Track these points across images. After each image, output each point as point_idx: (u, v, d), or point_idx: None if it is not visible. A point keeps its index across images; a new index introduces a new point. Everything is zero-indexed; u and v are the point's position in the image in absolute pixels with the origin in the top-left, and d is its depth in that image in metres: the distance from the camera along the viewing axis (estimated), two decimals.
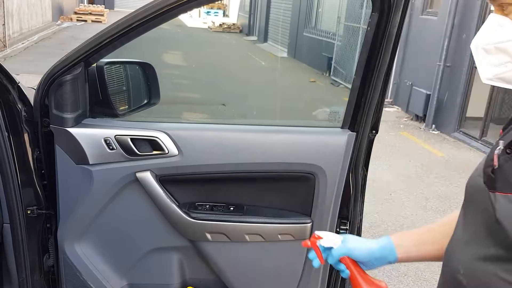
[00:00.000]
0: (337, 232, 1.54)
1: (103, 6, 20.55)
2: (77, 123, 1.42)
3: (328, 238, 1.07)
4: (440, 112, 6.57)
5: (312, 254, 1.08)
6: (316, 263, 1.08)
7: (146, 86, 1.68)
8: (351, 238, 1.07)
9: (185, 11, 1.30)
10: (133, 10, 1.35)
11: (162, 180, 1.47)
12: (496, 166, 0.78)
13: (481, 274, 0.78)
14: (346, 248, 1.04)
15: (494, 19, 0.75)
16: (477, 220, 0.81)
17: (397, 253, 1.04)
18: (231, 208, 1.51)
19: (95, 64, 1.46)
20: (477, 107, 5.95)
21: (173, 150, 1.43)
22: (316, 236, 1.07)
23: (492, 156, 0.80)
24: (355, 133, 1.47)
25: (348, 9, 9.31)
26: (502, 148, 0.78)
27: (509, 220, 0.72)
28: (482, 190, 0.79)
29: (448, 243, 0.90)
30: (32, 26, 12.71)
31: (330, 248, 1.06)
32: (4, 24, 9.97)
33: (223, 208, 1.51)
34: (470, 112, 6.23)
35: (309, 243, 1.08)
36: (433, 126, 6.62)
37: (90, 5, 21.43)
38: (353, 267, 1.05)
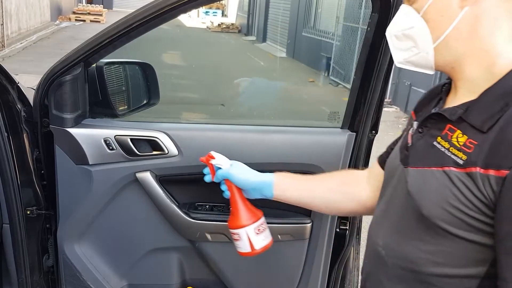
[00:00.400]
0: (336, 232, 1.55)
1: (102, 6, 20.53)
2: (77, 123, 1.42)
3: (219, 159, 1.21)
4: None
5: (206, 170, 1.23)
6: (207, 178, 1.23)
7: (145, 86, 1.68)
8: (238, 165, 1.22)
9: (185, 11, 1.30)
10: (131, 10, 1.35)
11: (162, 180, 1.47)
12: (410, 144, 0.87)
13: (396, 245, 0.86)
14: (227, 173, 1.19)
15: (403, 9, 0.84)
16: (393, 196, 0.89)
17: (274, 190, 1.18)
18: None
19: (94, 65, 1.46)
20: None
21: (173, 150, 1.43)
22: (211, 155, 1.21)
23: (407, 136, 0.90)
24: (354, 133, 1.47)
25: (347, 9, 9.32)
26: (415, 128, 0.87)
27: (418, 191, 0.80)
28: (398, 168, 0.89)
29: (372, 219, 0.98)
30: (31, 26, 12.70)
31: (220, 169, 1.20)
32: (2, 24, 9.97)
33: (223, 208, 1.50)
34: None
35: (204, 159, 1.22)
36: None
37: (89, 5, 21.42)
38: (235, 191, 1.20)
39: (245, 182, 1.19)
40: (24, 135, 1.43)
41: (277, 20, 14.06)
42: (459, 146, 0.75)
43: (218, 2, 22.21)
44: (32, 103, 1.43)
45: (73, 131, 1.40)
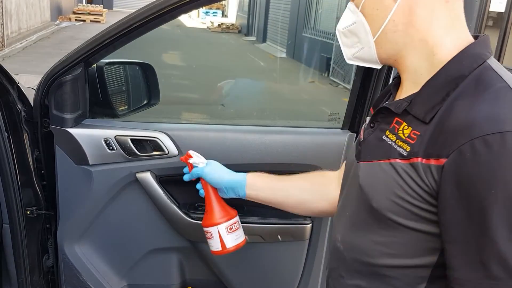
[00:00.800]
0: None
1: (102, 6, 20.52)
2: (77, 123, 1.42)
3: (195, 158, 1.24)
4: None
5: (186, 169, 1.26)
6: (186, 177, 1.26)
7: (146, 86, 1.68)
8: (212, 164, 1.24)
9: (186, 11, 1.30)
10: (131, 10, 1.35)
11: (162, 180, 1.47)
12: (362, 140, 0.88)
13: (352, 239, 0.87)
14: (202, 171, 1.22)
15: (348, 7, 0.85)
16: (349, 191, 0.91)
17: (247, 190, 1.19)
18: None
19: (95, 65, 1.45)
20: None
21: (173, 150, 1.43)
22: (190, 154, 1.25)
23: (361, 132, 0.92)
24: (355, 134, 1.47)
25: None
26: (368, 123, 0.88)
27: (369, 185, 0.82)
28: (353, 163, 0.90)
29: (334, 216, 1.00)
30: (31, 26, 12.70)
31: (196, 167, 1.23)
32: (2, 24, 9.97)
33: None
34: None
35: (183, 158, 1.26)
36: None
37: (89, 5, 21.39)
38: (210, 189, 1.22)
39: (217, 181, 1.21)
40: (24, 135, 1.43)
41: (277, 21, 14.06)
42: (404, 138, 0.76)
43: (218, 3, 22.20)
44: (32, 103, 1.43)
45: (73, 131, 1.40)
